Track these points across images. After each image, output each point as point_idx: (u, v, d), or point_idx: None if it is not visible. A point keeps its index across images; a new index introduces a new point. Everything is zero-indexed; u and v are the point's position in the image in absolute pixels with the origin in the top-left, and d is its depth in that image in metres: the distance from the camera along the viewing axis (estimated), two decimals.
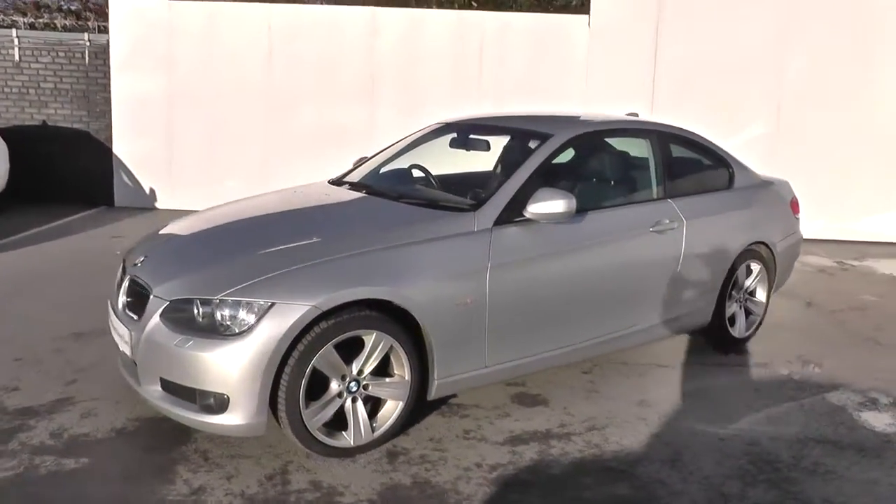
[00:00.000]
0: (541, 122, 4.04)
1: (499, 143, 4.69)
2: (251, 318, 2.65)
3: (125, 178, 8.30)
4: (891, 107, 7.85)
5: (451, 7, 9.97)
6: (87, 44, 8.23)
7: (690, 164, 4.26)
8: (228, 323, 2.68)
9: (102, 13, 10.73)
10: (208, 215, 3.70)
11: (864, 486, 2.89)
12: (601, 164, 4.01)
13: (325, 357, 2.77)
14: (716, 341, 4.38)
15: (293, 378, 2.69)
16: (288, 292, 2.70)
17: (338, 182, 4.27)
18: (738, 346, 4.43)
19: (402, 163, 4.46)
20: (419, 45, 8.25)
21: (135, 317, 2.96)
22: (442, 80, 8.29)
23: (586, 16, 8.25)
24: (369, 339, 2.85)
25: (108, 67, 8.16)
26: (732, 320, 4.40)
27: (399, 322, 2.91)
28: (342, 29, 8.19)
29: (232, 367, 2.62)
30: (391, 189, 3.80)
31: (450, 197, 3.57)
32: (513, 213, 3.28)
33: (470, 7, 10.03)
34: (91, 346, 4.10)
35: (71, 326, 4.40)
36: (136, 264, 3.12)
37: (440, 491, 2.72)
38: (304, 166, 8.36)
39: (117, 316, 3.10)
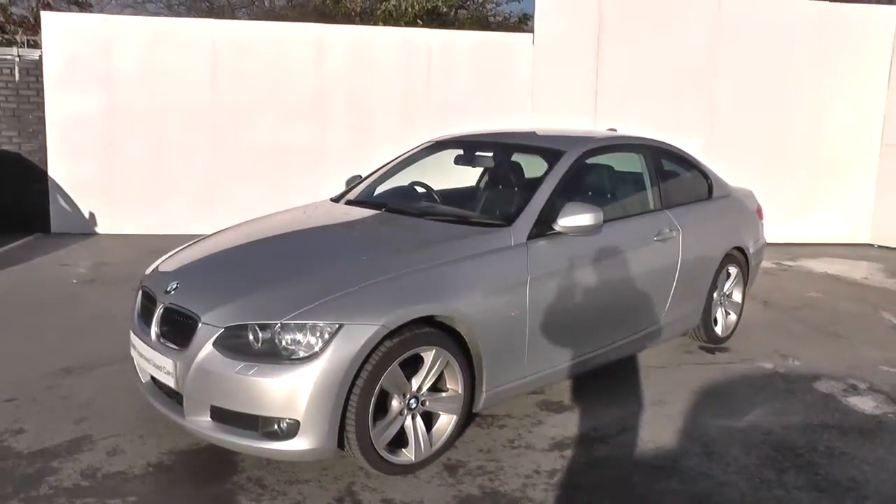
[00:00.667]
0: (546, 140, 4.19)
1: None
2: (319, 341, 2.62)
3: (62, 202, 7.81)
4: (808, 121, 8.58)
5: (397, 25, 10.03)
6: (17, 59, 7.71)
7: (678, 177, 4.53)
8: (293, 347, 2.64)
9: (30, 27, 10.07)
10: (226, 237, 3.62)
11: (877, 465, 3.17)
12: (608, 178, 4.20)
13: (392, 376, 2.77)
14: (703, 341, 4.67)
15: (362, 399, 2.68)
16: (355, 313, 2.69)
17: (341, 200, 4.26)
18: (721, 345, 4.73)
19: (398, 180, 4.51)
20: (367, 63, 8.27)
21: (175, 346, 2.86)
22: (390, 97, 8.34)
23: (531, 34, 8.54)
24: (429, 355, 2.87)
25: (42, 85, 7.68)
26: (716, 321, 4.70)
27: (453, 337, 2.95)
28: (288, 46, 8.10)
29: (303, 391, 2.58)
30: (409, 206, 3.84)
31: (473, 214, 3.65)
32: (542, 227, 3.40)
33: (415, 25, 10.12)
34: (86, 381, 3.88)
35: (56, 361, 4.13)
36: (168, 291, 3.00)
37: (512, 499, 2.78)
38: (255, 186, 8.20)
39: (150, 346, 2.97)
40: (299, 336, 2.64)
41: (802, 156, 8.64)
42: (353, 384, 2.66)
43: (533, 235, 3.36)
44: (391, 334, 2.73)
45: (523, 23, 11.38)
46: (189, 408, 2.79)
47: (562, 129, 4.95)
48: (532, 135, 4.48)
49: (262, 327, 2.67)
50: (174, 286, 3.01)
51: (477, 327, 2.99)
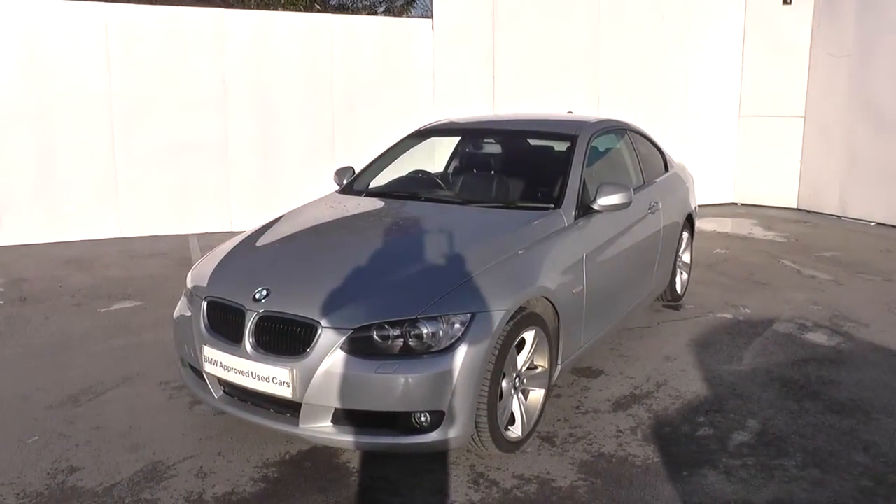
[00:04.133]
0: (551, 125, 4.43)
1: (449, 143, 4.98)
2: (456, 331, 2.70)
3: None
4: (678, 95, 9.58)
5: (296, 10, 9.65)
6: None
7: (648, 153, 4.99)
8: (429, 340, 2.69)
9: None
10: (274, 237, 3.52)
11: (861, 385, 3.84)
12: (606, 158, 4.54)
13: (510, 359, 2.92)
14: (667, 300, 5.22)
15: (493, 383, 2.80)
16: (480, 301, 2.79)
17: (354, 192, 4.25)
18: (679, 302, 5.32)
19: (396, 169, 4.55)
20: (270, 50, 7.98)
21: (286, 355, 2.75)
22: (296, 84, 8.13)
23: (430, 20, 8.68)
24: (530, 335, 3.04)
25: None
26: (675, 281, 5.27)
27: (540, 317, 3.14)
28: (187, 31, 7.59)
29: (448, 382, 2.65)
30: (443, 195, 3.96)
31: (516, 199, 3.84)
32: (581, 207, 3.67)
33: (313, 10, 9.81)
34: (106, 408, 3.58)
35: (51, 392, 3.76)
36: (257, 299, 2.88)
37: (621, 458, 3.05)
38: (161, 183, 7.66)
39: (245, 357, 2.83)
40: (435, 328, 2.69)
41: (674, 127, 9.63)
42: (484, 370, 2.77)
43: (577, 216, 3.62)
44: (509, 319, 2.86)
45: (409, 7, 11.43)
46: (307, 415, 2.74)
47: (544, 114, 5.20)
48: (532, 121, 4.71)
49: (394, 324, 2.69)
50: (263, 293, 2.90)
51: (558, 305, 3.21)
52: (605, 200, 3.67)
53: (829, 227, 8.44)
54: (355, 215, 3.78)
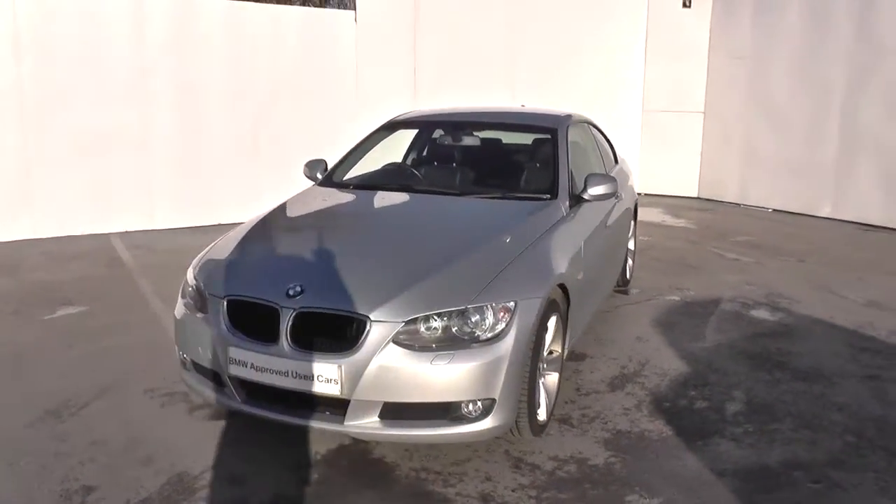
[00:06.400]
0: (529, 117, 4.56)
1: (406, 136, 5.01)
2: (504, 319, 2.76)
3: None
4: (590, 90, 10.03)
5: None
6: None
7: (604, 145, 5.25)
8: (477, 330, 2.73)
9: None
10: (280, 232, 3.43)
11: (814, 354, 4.26)
12: (578, 149, 4.72)
13: (543, 343, 3.01)
14: (619, 285, 5.51)
15: (532, 370, 2.89)
16: (522, 289, 2.87)
17: (337, 185, 4.19)
18: (628, 286, 5.64)
19: (369, 162, 4.53)
20: (192, 37, 7.60)
21: (331, 352, 2.70)
22: (219, 74, 7.79)
23: (353, 12, 8.58)
24: (552, 321, 3.16)
25: None
26: (625, 266, 5.58)
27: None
28: (103, 14, 7.06)
29: (500, 370, 2.71)
30: (437, 187, 4.00)
31: (516, 190, 3.96)
32: (575, 197, 3.84)
33: None
34: (94, 421, 3.36)
35: (24, 409, 3.45)
36: (291, 296, 2.80)
37: (639, 434, 3.25)
38: (79, 178, 7.11)
39: (284, 356, 2.73)
40: (484, 317, 2.74)
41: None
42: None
43: (570, 205, 3.78)
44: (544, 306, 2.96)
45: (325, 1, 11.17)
46: (355, 411, 2.71)
47: (505, 108, 5.30)
48: (508, 113, 4.82)
49: (443, 315, 2.72)
50: (297, 289, 2.82)
51: (570, 292, 3.35)
52: (594, 190, 3.85)
53: (732, 213, 9.18)
54: (363, 208, 3.75)
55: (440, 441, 2.87)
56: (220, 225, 7.82)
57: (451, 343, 2.71)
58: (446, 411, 2.74)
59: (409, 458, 2.99)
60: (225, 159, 7.91)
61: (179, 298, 3.28)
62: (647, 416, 3.43)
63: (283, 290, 2.83)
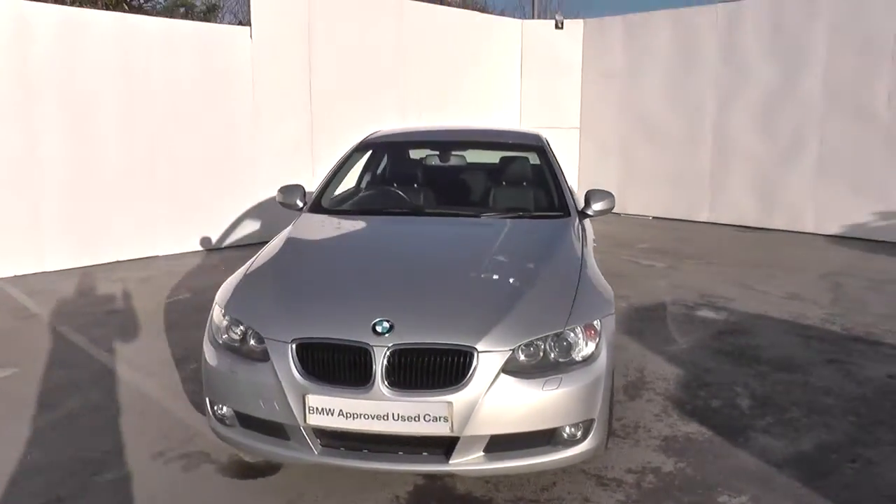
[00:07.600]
0: (510, 136, 4.59)
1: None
2: (593, 338, 2.77)
3: None
4: (470, 107, 10.30)
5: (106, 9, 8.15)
6: None
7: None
8: (573, 352, 2.72)
9: None
10: (315, 264, 3.19)
11: (777, 345, 4.70)
12: None
13: None
14: None
15: (613, 384, 2.92)
16: (600, 307, 2.91)
17: (327, 212, 3.97)
18: None
19: (348, 184, 4.37)
20: (81, 52, 6.80)
21: (439, 388, 2.56)
22: (111, 92, 7.04)
23: (248, 28, 8.15)
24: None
25: None
26: None
27: None
28: None
29: (598, 389, 2.72)
30: (451, 208, 3.95)
31: (529, 208, 4.00)
32: (580, 213, 3.96)
33: (120, 9, 8.37)
34: (115, 498, 2.89)
35: (20, 488, 2.88)
36: (378, 332, 2.61)
37: (685, 437, 3.40)
38: None
39: (381, 398, 2.54)
40: (576, 339, 2.73)
41: None
42: None
43: (579, 221, 3.90)
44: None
45: (211, 13, 10.37)
46: (461, 448, 2.58)
47: (470, 126, 5.26)
48: (489, 132, 4.81)
49: (543, 339, 2.67)
50: (384, 325, 2.63)
51: None
52: (598, 206, 3.99)
53: (619, 222, 9.85)
54: (394, 235, 3.61)
55: (543, 469, 2.80)
56: (117, 262, 7.04)
57: (551, 368, 2.68)
58: (550, 437, 2.69)
59: (497, 489, 2.90)
60: (120, 187, 7.14)
61: (209, 345, 2.93)
62: (679, 419, 3.60)
63: (369, 327, 2.64)
